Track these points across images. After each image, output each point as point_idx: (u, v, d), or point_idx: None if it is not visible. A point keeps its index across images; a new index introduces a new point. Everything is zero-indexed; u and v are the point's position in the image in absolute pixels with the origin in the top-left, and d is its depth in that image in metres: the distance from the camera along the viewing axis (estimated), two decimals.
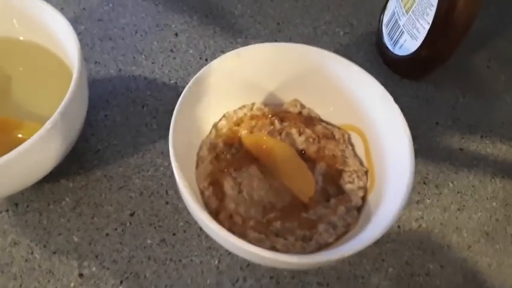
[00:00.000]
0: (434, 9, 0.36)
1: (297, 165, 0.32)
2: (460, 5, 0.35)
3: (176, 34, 0.43)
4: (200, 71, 0.30)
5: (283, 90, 0.35)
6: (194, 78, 0.30)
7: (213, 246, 0.33)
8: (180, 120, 0.28)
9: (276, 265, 0.27)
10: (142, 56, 0.41)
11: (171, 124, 0.28)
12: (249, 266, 0.32)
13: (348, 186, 0.31)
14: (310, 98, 0.35)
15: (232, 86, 0.33)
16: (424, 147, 0.39)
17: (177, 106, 0.29)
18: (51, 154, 0.30)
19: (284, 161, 0.31)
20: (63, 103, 0.28)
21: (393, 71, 0.43)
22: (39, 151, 0.28)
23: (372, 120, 0.32)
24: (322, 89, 0.34)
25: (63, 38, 0.32)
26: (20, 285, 0.30)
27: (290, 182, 0.31)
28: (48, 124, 0.27)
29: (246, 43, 0.44)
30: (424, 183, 0.38)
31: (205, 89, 0.31)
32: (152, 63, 0.41)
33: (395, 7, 0.41)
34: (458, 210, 0.37)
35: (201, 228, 0.33)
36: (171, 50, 0.42)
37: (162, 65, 0.41)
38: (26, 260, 0.31)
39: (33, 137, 0.27)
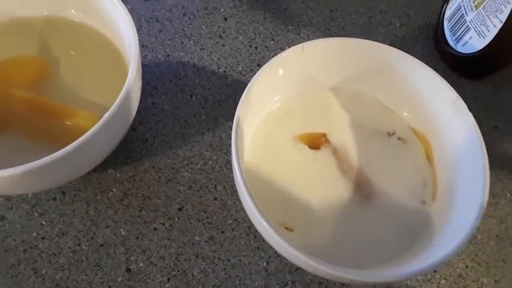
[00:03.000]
0: (510, 7, 0.33)
1: None
2: None
3: (225, 19, 0.41)
4: (262, 68, 0.29)
5: (342, 85, 0.33)
6: (256, 75, 0.28)
7: (261, 247, 0.32)
8: (241, 121, 0.27)
9: (331, 278, 0.26)
10: (191, 42, 0.40)
11: (234, 124, 0.26)
12: (298, 270, 0.31)
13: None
14: (370, 94, 0.33)
15: (290, 80, 0.32)
16: None
17: (238, 107, 0.27)
18: (106, 145, 0.29)
19: None
20: (121, 94, 0.27)
21: (451, 69, 0.41)
22: (95, 143, 0.27)
23: (439, 125, 0.31)
24: (388, 89, 0.32)
25: (119, 24, 0.30)
26: (68, 277, 0.30)
27: None
28: (106, 116, 0.26)
29: (297, 30, 0.42)
30: None
31: (265, 85, 0.30)
32: (201, 49, 0.39)
33: (462, 1, 0.38)
34: None
35: (249, 227, 0.32)
36: (220, 36, 0.40)
37: (210, 52, 0.39)
38: (74, 252, 0.30)
39: (92, 129, 0.25)
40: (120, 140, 0.30)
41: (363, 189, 0.30)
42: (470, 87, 0.41)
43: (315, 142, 0.31)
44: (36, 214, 0.31)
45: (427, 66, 0.30)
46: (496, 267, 0.33)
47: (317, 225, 0.28)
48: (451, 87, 0.29)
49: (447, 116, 0.30)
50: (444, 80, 0.30)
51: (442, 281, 0.32)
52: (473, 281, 0.33)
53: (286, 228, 0.28)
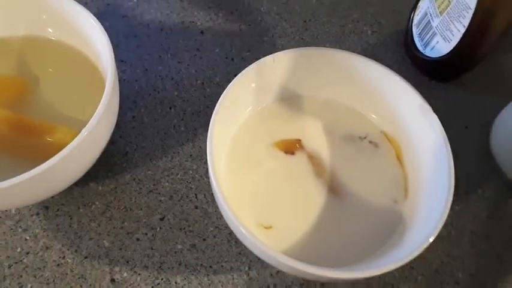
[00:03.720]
0: (471, 12, 0.35)
1: None
2: (499, 9, 0.34)
3: (202, 32, 0.43)
4: (235, 78, 0.30)
5: (314, 93, 0.35)
6: (229, 85, 0.29)
7: (243, 252, 0.33)
8: (217, 125, 0.28)
9: (309, 277, 0.27)
10: (169, 55, 0.41)
11: (209, 131, 0.27)
12: (278, 273, 0.32)
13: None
14: (341, 101, 0.35)
15: (264, 89, 0.33)
16: (453, 152, 0.39)
17: (213, 113, 0.28)
18: (86, 159, 0.30)
19: None
20: (99, 108, 0.28)
21: (422, 73, 0.43)
22: (75, 158, 0.27)
23: (407, 128, 0.32)
24: (359, 95, 0.33)
25: (95, 40, 0.31)
26: None
27: None
28: (85, 131, 0.27)
29: (272, 41, 0.43)
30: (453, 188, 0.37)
31: (239, 95, 0.31)
32: (178, 62, 0.41)
33: (428, 7, 0.40)
34: (488, 217, 0.36)
35: (230, 233, 0.33)
36: (197, 49, 0.42)
37: (188, 65, 0.40)
38: (58, 265, 0.31)
39: (71, 144, 0.26)
40: (100, 153, 0.31)
41: (336, 191, 0.31)
42: (441, 89, 0.42)
43: (290, 148, 0.33)
44: (20, 230, 0.32)
45: (394, 72, 0.32)
46: (471, 261, 0.34)
47: (294, 224, 0.29)
48: (417, 91, 0.31)
49: (415, 119, 0.31)
50: (410, 84, 0.31)
51: (419, 277, 0.33)
52: (450, 276, 0.34)
53: (264, 227, 0.29)
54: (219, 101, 0.29)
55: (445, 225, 0.35)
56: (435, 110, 0.31)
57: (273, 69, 0.32)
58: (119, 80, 0.38)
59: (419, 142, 0.31)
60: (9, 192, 0.25)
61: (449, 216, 0.36)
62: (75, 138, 0.26)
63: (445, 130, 0.30)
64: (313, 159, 0.32)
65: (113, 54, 0.30)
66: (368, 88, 0.33)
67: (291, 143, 0.33)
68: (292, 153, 0.32)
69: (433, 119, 0.30)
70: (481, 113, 0.41)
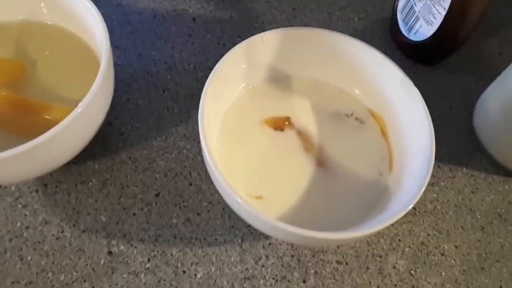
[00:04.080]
0: None
1: None
2: None
3: (194, 19, 0.44)
4: (225, 55, 0.31)
5: (303, 72, 0.36)
6: (220, 61, 0.31)
7: (235, 226, 0.34)
8: (208, 100, 0.29)
9: (300, 242, 0.28)
10: (162, 41, 0.42)
11: (201, 104, 0.29)
12: (270, 245, 0.33)
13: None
14: (329, 80, 0.36)
15: (254, 69, 0.34)
16: (438, 132, 0.40)
17: (205, 87, 0.29)
18: (81, 136, 0.31)
19: None
20: (93, 86, 0.29)
21: (407, 57, 0.44)
22: (70, 133, 0.28)
23: (391, 104, 0.33)
24: (344, 73, 0.35)
25: (90, 24, 0.33)
26: (53, 262, 0.31)
27: None
28: (79, 107, 0.28)
29: (262, 28, 0.44)
30: (438, 166, 0.39)
31: (228, 73, 0.32)
32: (171, 47, 0.42)
33: None
34: (472, 192, 0.38)
35: (223, 209, 0.34)
36: (189, 35, 0.43)
37: (181, 50, 0.42)
38: (57, 238, 0.32)
39: (66, 119, 0.27)
40: (95, 131, 0.32)
41: (324, 164, 0.32)
42: (425, 72, 0.44)
43: (280, 125, 0.34)
44: (19, 206, 0.33)
45: (376, 49, 0.33)
46: (456, 234, 0.36)
47: (283, 195, 0.31)
48: (398, 66, 0.32)
49: (398, 94, 0.33)
50: (391, 61, 0.32)
51: (406, 249, 0.35)
52: (435, 248, 0.35)
53: (255, 197, 0.30)
54: (210, 76, 0.30)
55: (431, 201, 0.37)
56: (421, 92, 0.32)
57: (262, 49, 0.33)
58: (114, 65, 0.39)
59: (402, 116, 0.33)
60: (7, 163, 0.26)
61: (434, 192, 0.38)
62: (70, 114, 0.28)
63: (430, 111, 0.31)
64: (302, 135, 0.34)
65: (107, 35, 0.31)
66: (353, 67, 0.34)
67: (280, 120, 0.34)
68: (282, 129, 0.34)
69: (414, 92, 0.31)
70: (465, 95, 0.43)
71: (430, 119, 0.30)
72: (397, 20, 0.44)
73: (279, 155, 0.33)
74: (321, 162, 0.33)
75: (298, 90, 0.36)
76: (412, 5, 0.41)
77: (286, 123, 0.34)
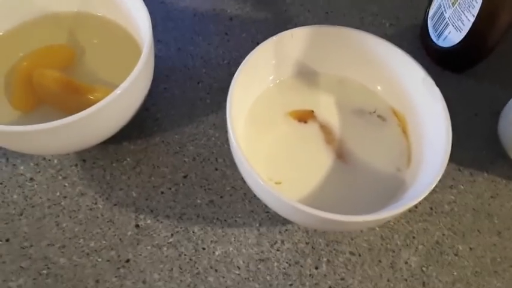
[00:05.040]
0: (480, 2, 0.37)
1: None
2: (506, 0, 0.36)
3: (231, 18, 0.47)
4: (256, 48, 0.33)
5: (329, 69, 0.38)
6: (250, 54, 0.33)
7: (255, 211, 0.36)
8: (237, 88, 0.31)
9: (316, 225, 0.29)
10: (200, 38, 0.45)
11: (229, 91, 0.31)
12: (286, 231, 0.35)
13: None
14: (354, 78, 0.38)
15: (282, 63, 0.36)
16: (461, 137, 0.41)
17: (234, 76, 0.32)
18: (118, 116, 0.34)
19: None
20: (134, 71, 0.32)
21: (436, 63, 0.45)
22: (108, 113, 0.31)
23: (413, 102, 0.34)
24: (366, 71, 0.36)
25: (136, 17, 0.36)
26: (85, 230, 0.34)
27: None
28: (119, 89, 0.31)
29: None
30: (459, 170, 0.39)
31: (258, 65, 0.34)
32: (208, 44, 0.45)
33: (442, 0, 0.43)
34: (492, 197, 0.38)
35: (245, 194, 0.36)
36: (226, 33, 0.46)
37: (217, 46, 0.44)
38: (91, 209, 0.35)
39: (105, 99, 0.30)
40: (132, 114, 0.35)
41: (343, 157, 0.34)
42: (453, 79, 0.44)
43: (304, 117, 0.36)
44: (60, 177, 0.36)
45: (400, 49, 0.34)
46: (472, 236, 0.36)
47: (302, 183, 0.32)
48: (421, 66, 0.33)
49: (419, 93, 0.34)
50: (415, 60, 0.34)
51: (420, 246, 0.36)
52: (449, 248, 0.36)
53: (275, 182, 0.32)
54: (240, 66, 0.32)
55: (448, 202, 0.38)
56: (447, 98, 0.33)
57: (292, 44, 0.36)
58: (155, 56, 0.42)
59: (423, 115, 0.34)
60: (52, 134, 0.30)
61: (452, 194, 0.39)
62: (110, 95, 0.31)
63: (455, 117, 0.32)
64: (324, 128, 0.35)
65: (151, 27, 0.34)
66: (378, 66, 0.36)
67: (304, 113, 0.36)
68: (305, 121, 0.36)
69: (435, 91, 0.32)
70: (491, 102, 0.43)
71: (449, 118, 0.31)
72: (427, 27, 0.45)
73: (301, 145, 0.34)
74: (341, 155, 0.34)
75: (324, 86, 0.37)
76: (443, 12, 0.42)
77: (310, 116, 0.36)
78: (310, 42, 0.36)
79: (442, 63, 0.45)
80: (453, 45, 0.42)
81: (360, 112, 0.37)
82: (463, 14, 0.39)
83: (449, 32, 0.42)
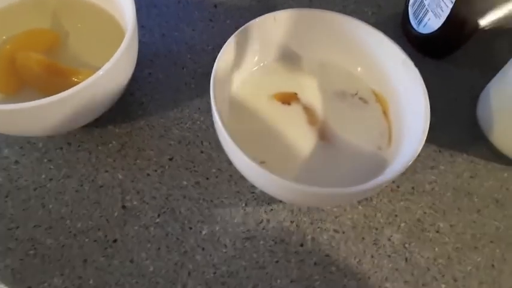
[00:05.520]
0: None
1: None
2: None
3: (215, 6, 0.47)
4: (239, 30, 0.34)
5: (312, 53, 0.38)
6: (233, 35, 0.34)
7: (241, 191, 0.36)
8: (220, 69, 0.32)
9: (301, 202, 0.30)
10: (184, 24, 0.45)
11: (213, 72, 0.31)
12: (272, 210, 0.36)
13: None
14: (336, 61, 0.38)
15: (265, 46, 0.37)
16: (442, 120, 0.42)
17: (218, 57, 0.32)
18: (101, 98, 0.33)
19: None
20: (116, 53, 0.32)
21: (417, 50, 0.46)
22: (91, 93, 0.31)
23: (392, 84, 0.35)
24: (348, 54, 0.37)
25: (120, 1, 0.36)
26: (71, 211, 0.34)
27: None
28: (101, 70, 0.31)
29: None
30: (440, 151, 0.41)
31: (242, 45, 0.35)
32: (193, 30, 0.45)
33: None
34: (471, 177, 0.39)
35: (231, 175, 0.37)
36: (210, 20, 0.46)
37: (201, 32, 0.45)
38: (77, 191, 0.35)
39: (88, 79, 0.31)
40: (117, 96, 0.35)
41: (326, 137, 0.35)
42: (433, 65, 0.46)
43: (287, 99, 0.36)
44: (45, 160, 0.36)
45: (381, 32, 0.35)
46: (452, 214, 0.37)
47: (285, 162, 0.33)
48: (401, 48, 0.34)
49: (399, 74, 0.35)
50: (395, 43, 0.35)
51: (402, 224, 0.36)
52: (431, 225, 0.37)
53: (260, 162, 0.32)
54: (223, 48, 0.33)
55: (429, 182, 0.39)
56: (427, 83, 0.33)
57: (275, 27, 0.36)
58: (139, 41, 0.43)
59: (403, 97, 0.35)
60: (33, 113, 0.30)
61: (433, 174, 0.40)
62: (92, 76, 0.31)
63: (435, 102, 0.33)
64: (307, 110, 0.36)
65: (135, 10, 0.34)
66: (360, 49, 0.37)
67: (288, 95, 0.37)
68: (289, 103, 0.36)
69: (415, 73, 0.33)
70: (470, 88, 0.44)
71: (427, 98, 0.32)
72: (408, 14, 0.46)
73: (284, 126, 0.35)
74: (324, 136, 0.35)
75: (307, 70, 0.38)
76: None
77: (294, 98, 0.36)
78: (293, 26, 0.37)
79: (422, 50, 0.46)
80: (432, 32, 0.43)
81: (342, 94, 0.37)
82: (441, 1, 0.41)
83: (429, 19, 0.43)
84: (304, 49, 0.38)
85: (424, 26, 0.44)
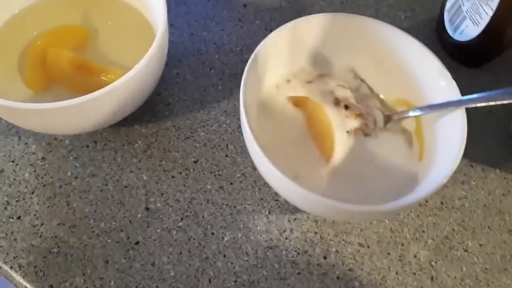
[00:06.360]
0: None
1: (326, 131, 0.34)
2: None
3: (245, 5, 0.46)
4: (272, 32, 0.33)
5: (342, 58, 0.37)
6: (267, 37, 0.33)
7: (264, 198, 0.36)
8: (250, 75, 0.31)
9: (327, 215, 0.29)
10: (213, 23, 0.45)
11: (243, 78, 0.31)
12: (296, 220, 0.35)
13: None
14: (367, 68, 0.37)
15: (296, 50, 0.36)
16: (475, 132, 0.40)
17: (248, 63, 0.31)
18: (130, 99, 0.33)
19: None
20: (147, 55, 0.32)
21: (451, 57, 0.44)
22: (120, 94, 0.31)
23: (427, 95, 0.34)
24: (380, 61, 0.36)
25: (151, 0, 0.35)
26: (95, 211, 0.34)
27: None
28: (132, 71, 0.31)
29: None
30: (471, 165, 0.39)
31: (273, 49, 0.34)
32: (221, 30, 0.44)
33: None
34: (503, 195, 0.38)
35: (255, 181, 0.36)
36: (239, 20, 0.45)
37: (230, 33, 0.44)
38: (101, 190, 0.35)
39: (118, 80, 0.30)
40: (144, 97, 0.35)
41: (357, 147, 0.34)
42: (468, 74, 0.44)
43: (298, 103, 0.36)
44: (71, 158, 0.36)
45: (414, 38, 0.34)
46: (482, 233, 0.36)
47: (315, 170, 0.32)
48: (437, 58, 0.33)
49: (435, 85, 0.33)
50: (431, 52, 0.33)
51: (429, 241, 0.35)
52: (459, 243, 0.36)
53: (292, 175, 0.31)
54: (254, 51, 0.32)
55: (459, 198, 0.38)
56: (461, 94, 0.32)
57: (307, 32, 0.35)
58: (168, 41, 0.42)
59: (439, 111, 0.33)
60: (64, 113, 0.30)
61: (464, 189, 0.38)
62: (123, 76, 0.30)
63: (469, 112, 0.32)
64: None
65: (166, 9, 0.34)
66: (393, 56, 0.35)
67: (299, 99, 0.36)
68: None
69: (451, 85, 0.32)
70: None
71: (465, 113, 0.31)
72: (443, 20, 0.45)
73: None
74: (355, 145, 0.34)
75: (338, 76, 0.37)
76: (460, 5, 0.42)
77: (304, 102, 0.35)
78: (325, 30, 0.36)
79: (457, 58, 0.44)
80: (470, 40, 0.41)
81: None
82: (481, 8, 0.39)
83: (467, 26, 0.41)
84: (336, 55, 0.37)
85: (461, 33, 0.42)
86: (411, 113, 0.34)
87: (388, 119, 0.35)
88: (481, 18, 0.39)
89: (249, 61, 0.32)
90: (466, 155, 0.39)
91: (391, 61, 0.36)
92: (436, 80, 0.33)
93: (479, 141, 0.40)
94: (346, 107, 0.35)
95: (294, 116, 0.35)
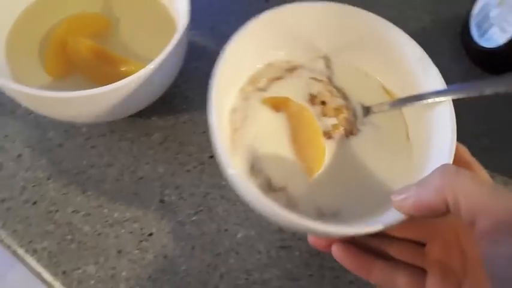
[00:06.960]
0: None
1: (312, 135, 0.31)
2: None
3: (266, 0, 0.46)
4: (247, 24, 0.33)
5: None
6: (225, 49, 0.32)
7: None
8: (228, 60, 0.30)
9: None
10: (234, 18, 0.44)
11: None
12: None
13: None
14: (342, 55, 0.35)
15: (286, 38, 0.34)
16: (497, 143, 0.39)
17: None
18: (149, 91, 0.33)
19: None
20: (168, 47, 0.31)
21: (475, 64, 0.44)
22: (140, 86, 0.31)
23: (411, 85, 0.32)
24: (356, 47, 0.34)
25: None
26: (109, 200, 0.34)
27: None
28: (152, 63, 0.31)
29: None
30: (492, 177, 0.38)
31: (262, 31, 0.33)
32: (242, 25, 0.44)
33: None
34: None
35: None
36: None
37: None
38: (117, 180, 0.35)
39: (138, 72, 0.30)
40: (163, 89, 0.35)
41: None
42: None
43: (278, 105, 0.33)
44: (88, 146, 0.36)
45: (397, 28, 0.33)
46: None
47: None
48: (416, 43, 0.32)
49: (418, 74, 0.31)
50: (406, 35, 0.32)
51: None
52: None
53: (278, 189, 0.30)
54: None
55: None
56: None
57: (303, 22, 0.33)
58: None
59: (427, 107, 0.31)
60: (82, 102, 0.30)
61: None
62: (143, 69, 0.30)
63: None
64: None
65: (189, 2, 0.33)
66: (381, 49, 0.34)
67: (279, 100, 0.33)
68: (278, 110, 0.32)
69: (435, 74, 0.30)
70: None
71: (453, 110, 0.28)
72: (469, 25, 0.44)
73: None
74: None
75: (336, 73, 0.35)
76: (488, 11, 0.41)
77: (285, 104, 0.33)
78: (324, 22, 0.34)
79: (482, 64, 0.43)
80: (497, 46, 0.40)
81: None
82: (510, 15, 0.38)
83: (494, 32, 0.40)
84: (307, 44, 0.35)
85: (487, 39, 0.41)
86: (392, 105, 0.32)
87: (367, 111, 0.33)
88: (509, 26, 0.38)
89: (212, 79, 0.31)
90: (487, 165, 0.37)
91: (370, 48, 0.34)
92: (419, 69, 0.31)
93: (502, 151, 0.40)
94: (323, 103, 0.33)
95: (274, 121, 0.32)
